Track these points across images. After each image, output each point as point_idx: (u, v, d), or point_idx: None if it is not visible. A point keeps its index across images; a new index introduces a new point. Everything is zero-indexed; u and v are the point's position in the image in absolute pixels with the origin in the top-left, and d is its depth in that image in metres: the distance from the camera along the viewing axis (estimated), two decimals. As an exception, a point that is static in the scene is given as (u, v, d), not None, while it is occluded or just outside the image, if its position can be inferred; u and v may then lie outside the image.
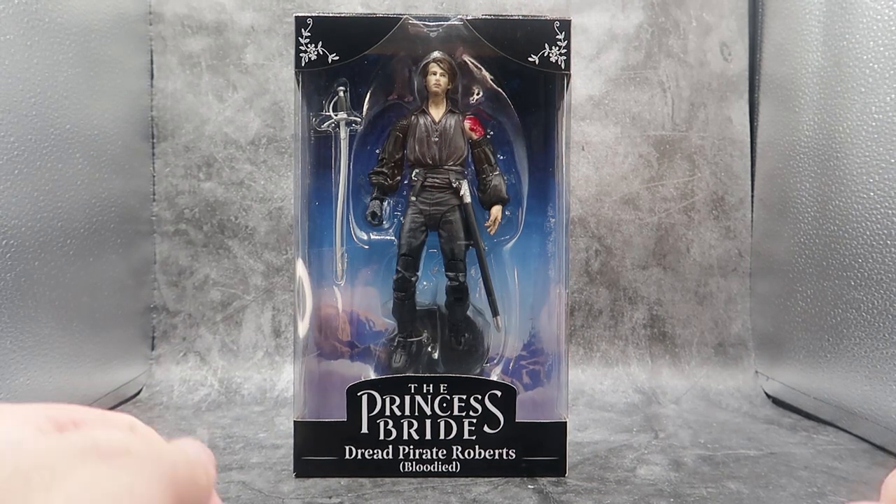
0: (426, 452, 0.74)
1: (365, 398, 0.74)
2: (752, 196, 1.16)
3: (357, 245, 0.79)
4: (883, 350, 0.85)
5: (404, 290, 0.78)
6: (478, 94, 0.78)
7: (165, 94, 1.10)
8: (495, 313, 0.79)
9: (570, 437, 0.77)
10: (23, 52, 0.77)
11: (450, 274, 0.78)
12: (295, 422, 0.75)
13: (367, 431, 0.74)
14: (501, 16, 0.80)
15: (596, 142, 1.13)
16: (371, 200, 0.78)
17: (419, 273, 0.79)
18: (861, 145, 0.89)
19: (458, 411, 0.74)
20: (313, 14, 0.73)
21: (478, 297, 0.79)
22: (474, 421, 0.74)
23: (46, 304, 0.81)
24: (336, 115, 0.76)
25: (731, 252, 1.15)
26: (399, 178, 0.78)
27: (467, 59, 0.76)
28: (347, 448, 0.74)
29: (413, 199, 0.78)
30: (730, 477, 0.75)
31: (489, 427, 0.74)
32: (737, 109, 1.16)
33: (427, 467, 0.74)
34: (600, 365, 1.11)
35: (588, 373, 1.10)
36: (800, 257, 1.02)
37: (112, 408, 0.97)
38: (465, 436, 0.74)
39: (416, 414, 0.74)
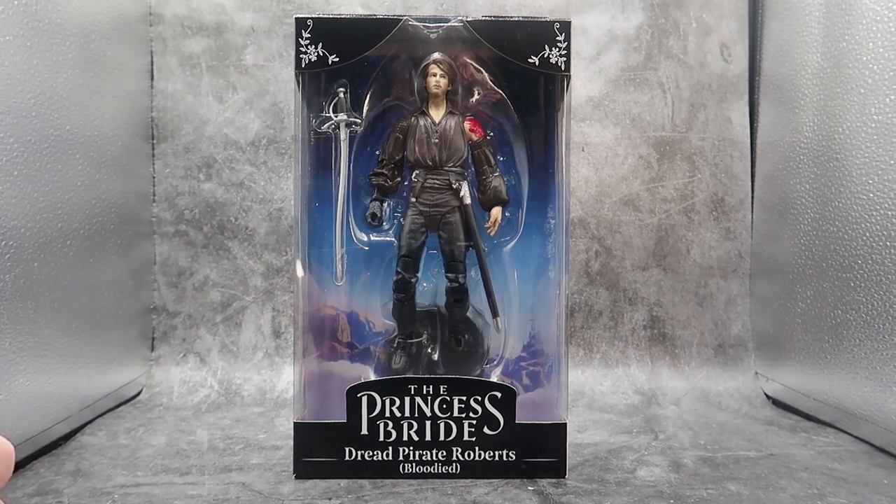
0: (426, 454, 0.74)
1: (365, 399, 0.74)
2: (752, 197, 1.16)
3: (357, 246, 0.79)
4: (883, 351, 0.85)
5: (404, 291, 0.78)
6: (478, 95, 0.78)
7: (165, 95, 1.10)
8: (495, 314, 0.79)
9: (570, 438, 0.77)
10: (23, 54, 0.77)
11: (450, 275, 0.78)
12: (295, 423, 0.75)
13: (366, 433, 0.74)
14: (501, 17, 0.80)
15: (596, 143, 1.13)
16: (371, 202, 0.78)
17: (419, 274, 0.79)
18: (861, 146, 0.89)
19: (458, 412, 0.74)
20: (313, 15, 0.73)
21: (478, 298, 0.79)
22: (474, 422, 0.74)
23: (46, 304, 0.81)
24: (336, 117, 0.76)
25: (731, 253, 1.15)
26: (399, 179, 0.78)
27: (470, 63, 0.76)
28: (347, 449, 0.74)
29: (413, 200, 0.78)
30: (730, 478, 0.75)
31: (489, 428, 0.74)
32: (737, 110, 1.16)
33: (427, 469, 0.74)
34: (600, 366, 1.11)
35: (588, 374, 1.10)
36: (800, 258, 1.02)
37: (112, 409, 0.97)
38: (465, 437, 0.74)
39: (416, 415, 0.74)
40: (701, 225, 1.15)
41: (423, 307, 0.79)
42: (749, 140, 1.16)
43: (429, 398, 0.74)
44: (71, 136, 0.86)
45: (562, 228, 0.77)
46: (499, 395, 0.74)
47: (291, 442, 0.75)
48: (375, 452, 0.74)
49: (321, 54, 0.73)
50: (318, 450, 0.74)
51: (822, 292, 0.96)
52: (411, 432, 0.74)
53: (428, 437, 0.74)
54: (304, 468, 0.74)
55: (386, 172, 0.77)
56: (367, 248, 0.79)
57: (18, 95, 0.76)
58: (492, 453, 0.74)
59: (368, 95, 0.77)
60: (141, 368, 1.06)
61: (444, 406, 0.74)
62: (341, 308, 0.78)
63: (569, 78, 0.75)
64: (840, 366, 0.92)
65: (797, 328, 1.02)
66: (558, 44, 0.74)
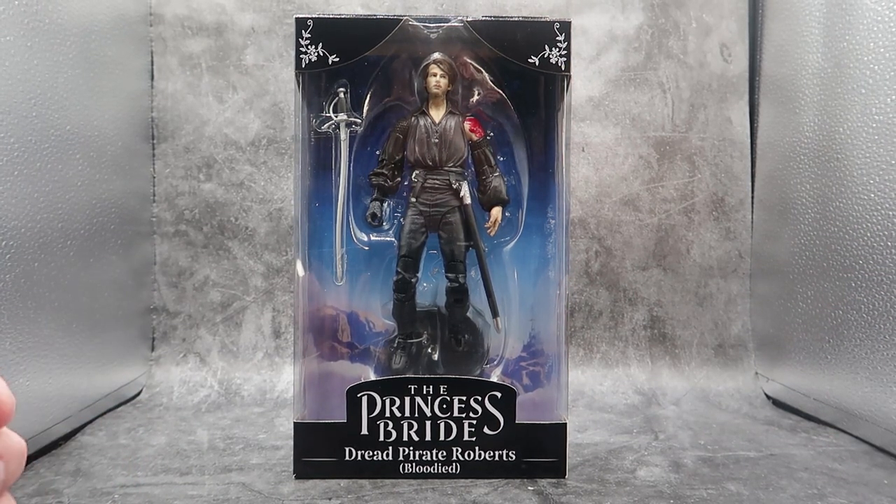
0: (426, 454, 0.74)
1: (365, 399, 0.74)
2: (753, 197, 1.16)
3: (357, 246, 0.79)
4: (884, 351, 0.85)
5: (404, 291, 0.78)
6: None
7: (165, 95, 1.10)
8: (495, 314, 0.79)
9: (570, 438, 0.77)
10: (23, 54, 0.77)
11: (450, 275, 0.78)
12: (295, 423, 0.75)
13: (366, 433, 0.74)
14: (501, 17, 0.80)
15: (596, 143, 1.13)
16: (371, 202, 0.78)
17: (419, 274, 0.79)
18: (861, 146, 0.89)
19: (458, 413, 0.74)
20: (313, 15, 0.73)
21: (478, 298, 0.79)
22: (474, 422, 0.74)
23: (46, 305, 0.81)
24: (336, 117, 0.76)
25: (731, 253, 1.15)
26: (399, 179, 0.78)
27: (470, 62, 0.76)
28: (347, 449, 0.74)
29: (413, 200, 0.78)
30: (730, 478, 0.75)
31: (489, 428, 0.74)
32: (737, 110, 1.16)
33: (427, 469, 0.74)
34: (600, 366, 1.11)
35: (588, 374, 1.10)
36: (800, 258, 1.02)
37: (112, 409, 0.97)
38: (465, 437, 0.74)
39: (416, 415, 0.74)
40: (701, 225, 1.15)
41: (423, 307, 0.79)
42: (749, 140, 1.16)
43: (429, 398, 0.74)
44: (71, 136, 0.86)
45: (562, 228, 0.77)
46: (499, 395, 0.74)
47: (291, 442, 0.75)
48: (375, 452, 0.74)
49: (321, 54, 0.73)
50: (318, 450, 0.74)
51: (823, 292, 0.96)
52: (411, 432, 0.74)
53: (428, 437, 0.74)
54: (304, 468, 0.74)
55: (386, 172, 0.77)
56: (367, 248, 0.79)
57: (18, 95, 0.76)
58: (492, 453, 0.74)
59: (368, 95, 0.77)
60: (141, 368, 1.06)
61: (444, 406, 0.74)
62: (341, 308, 0.78)
63: (569, 78, 0.75)
64: (840, 366, 0.92)
65: (797, 328, 1.02)
66: (558, 44, 0.74)
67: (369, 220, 0.78)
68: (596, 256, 1.13)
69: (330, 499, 0.69)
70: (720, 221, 1.15)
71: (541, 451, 0.74)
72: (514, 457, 0.74)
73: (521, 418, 0.74)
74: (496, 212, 0.78)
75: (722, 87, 1.15)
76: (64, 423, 0.85)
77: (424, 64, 0.76)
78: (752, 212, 1.16)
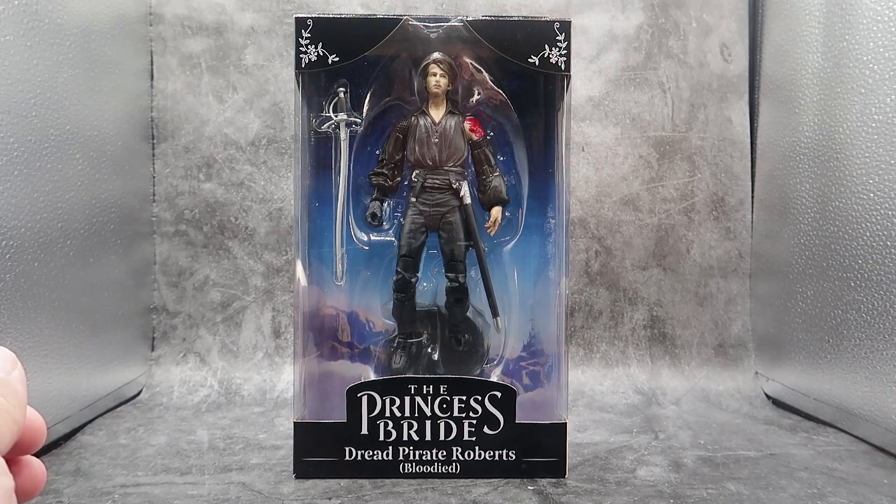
0: (426, 453, 0.74)
1: (365, 399, 0.74)
2: (753, 197, 1.16)
3: (357, 246, 0.79)
4: (883, 351, 0.85)
5: (404, 291, 0.78)
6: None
7: (165, 95, 1.10)
8: (495, 314, 0.79)
9: (570, 438, 0.77)
10: (23, 53, 0.77)
11: (450, 275, 0.78)
12: (295, 423, 0.75)
13: (366, 432, 0.74)
14: (501, 17, 0.80)
15: (596, 143, 1.13)
16: (371, 201, 0.78)
17: (419, 274, 0.79)
18: (861, 146, 0.89)
19: (458, 412, 0.74)
20: (313, 15, 0.73)
21: (478, 298, 0.79)
22: (474, 422, 0.74)
23: (46, 304, 0.81)
24: (336, 116, 0.76)
25: (732, 253, 1.15)
26: (399, 179, 0.78)
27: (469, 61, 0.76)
28: (347, 449, 0.74)
29: (413, 200, 0.78)
30: (730, 478, 0.75)
31: (489, 428, 0.74)
32: (737, 110, 1.16)
33: (427, 468, 0.74)
34: (600, 366, 1.11)
35: (588, 374, 1.10)
36: (800, 258, 1.02)
37: (112, 409, 0.97)
38: (465, 437, 0.74)
39: (416, 415, 0.74)
40: (701, 225, 1.15)
41: (423, 307, 0.79)
42: (749, 140, 1.16)
43: (429, 398, 0.74)
44: (71, 136, 0.86)
45: (562, 228, 0.77)
46: (499, 394, 0.74)
47: (291, 442, 0.75)
48: (375, 452, 0.74)
49: (321, 54, 0.73)
50: (318, 449, 0.74)
51: (822, 292, 0.96)
52: (411, 432, 0.74)
53: (428, 437, 0.74)
54: (305, 468, 0.74)
55: (386, 172, 0.77)
56: (367, 248, 0.79)
57: (18, 95, 0.76)
58: (492, 453, 0.74)
59: (368, 95, 0.77)
60: (141, 368, 1.06)
61: (444, 406, 0.74)
62: (341, 308, 0.78)
63: (569, 78, 0.75)
64: (840, 366, 0.92)
65: (797, 328, 1.02)
66: (558, 44, 0.74)
67: (369, 219, 0.78)
68: (596, 256, 1.13)
69: (330, 499, 0.69)
70: (720, 221, 1.15)
71: (541, 450, 0.74)
72: (513, 456, 0.74)
73: (521, 418, 0.74)
74: (496, 211, 0.78)
75: (722, 87, 1.15)
76: (64, 422, 0.85)
77: (424, 64, 0.76)
78: (752, 212, 1.16)
